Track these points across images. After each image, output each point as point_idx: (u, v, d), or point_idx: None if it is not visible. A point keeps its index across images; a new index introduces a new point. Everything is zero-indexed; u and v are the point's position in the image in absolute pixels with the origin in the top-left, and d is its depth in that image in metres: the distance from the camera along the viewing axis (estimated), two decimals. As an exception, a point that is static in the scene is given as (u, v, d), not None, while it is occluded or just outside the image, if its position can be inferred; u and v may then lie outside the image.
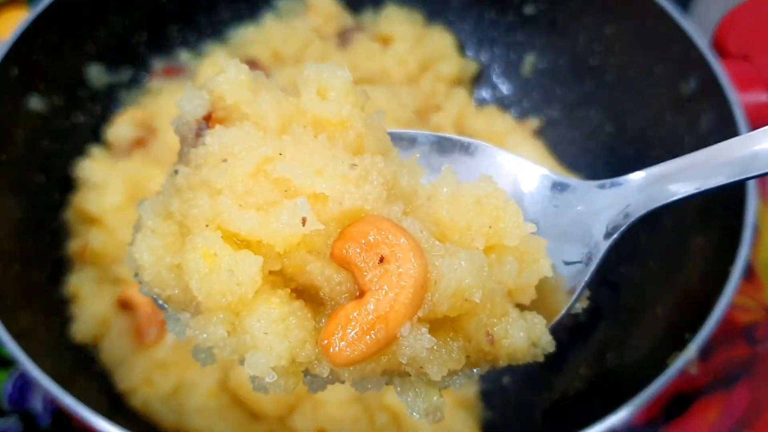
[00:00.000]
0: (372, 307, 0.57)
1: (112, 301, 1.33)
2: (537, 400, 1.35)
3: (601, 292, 1.44)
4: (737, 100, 1.21)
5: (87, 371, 1.27)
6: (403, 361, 0.59)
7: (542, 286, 0.68)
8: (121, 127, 1.50)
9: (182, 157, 0.68)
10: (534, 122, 1.65)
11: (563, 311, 0.71)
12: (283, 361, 0.57)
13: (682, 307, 1.20)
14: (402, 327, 0.57)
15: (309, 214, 0.58)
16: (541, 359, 0.65)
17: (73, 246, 1.40)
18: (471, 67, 1.71)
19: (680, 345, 1.03)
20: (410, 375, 0.62)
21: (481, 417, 1.35)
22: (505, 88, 1.73)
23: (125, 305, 1.31)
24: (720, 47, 1.51)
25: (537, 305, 0.68)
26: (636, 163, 1.46)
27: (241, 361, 0.59)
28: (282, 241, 0.59)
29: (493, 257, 0.65)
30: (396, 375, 0.62)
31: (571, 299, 0.72)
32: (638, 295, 1.36)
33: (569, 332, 1.42)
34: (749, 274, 1.40)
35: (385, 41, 1.67)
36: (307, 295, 0.63)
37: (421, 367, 0.59)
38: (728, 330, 1.33)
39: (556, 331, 1.52)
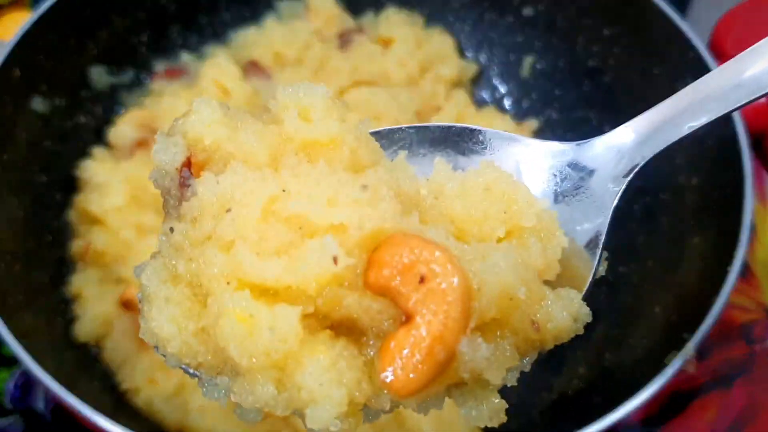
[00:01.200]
0: (425, 330, 0.54)
1: (115, 301, 1.33)
2: (536, 400, 1.35)
3: (599, 292, 1.45)
4: (735, 101, 1.22)
5: (90, 371, 1.28)
6: (465, 376, 0.56)
7: (561, 258, 0.66)
8: (123, 128, 1.50)
9: (170, 212, 0.63)
10: (533, 123, 1.66)
11: (590, 278, 0.69)
12: (344, 407, 0.54)
13: (679, 306, 1.20)
14: (460, 343, 0.55)
15: (338, 251, 0.55)
16: (581, 332, 0.64)
17: (76, 246, 1.41)
18: (471, 68, 1.72)
19: (678, 344, 1.03)
20: (465, 383, 0.59)
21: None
22: (504, 89, 1.74)
23: (128, 305, 1.32)
24: (718, 49, 1.52)
25: (561, 278, 0.66)
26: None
27: (295, 413, 0.56)
28: (314, 283, 0.55)
29: (515, 242, 0.64)
30: (453, 386, 0.60)
31: (592, 265, 0.70)
32: (636, 294, 1.36)
33: (568, 332, 1.43)
34: (746, 273, 1.41)
35: (385, 43, 1.67)
36: (344, 328, 0.59)
37: (480, 374, 0.57)
38: (726, 329, 1.34)
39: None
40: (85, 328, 1.31)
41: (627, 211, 1.48)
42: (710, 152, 1.27)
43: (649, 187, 1.44)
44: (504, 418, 0.60)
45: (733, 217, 1.13)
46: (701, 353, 1.03)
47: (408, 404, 0.58)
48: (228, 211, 0.58)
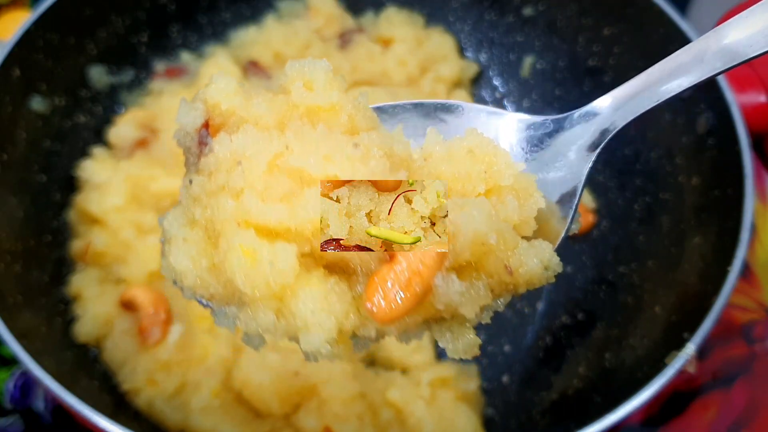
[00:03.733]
0: (405, 265, 0.64)
1: (115, 301, 1.33)
2: (536, 399, 1.35)
3: (599, 292, 1.45)
4: (735, 100, 1.22)
5: (90, 371, 1.27)
6: (440, 308, 0.65)
7: (539, 217, 0.74)
8: (123, 128, 1.50)
9: (190, 167, 0.72)
10: (533, 123, 1.66)
11: (563, 234, 0.78)
12: (333, 333, 0.63)
13: (680, 306, 1.21)
14: (435, 277, 0.64)
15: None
16: (553, 281, 0.71)
17: (76, 246, 1.41)
18: (470, 68, 1.72)
19: (679, 344, 1.03)
20: (445, 319, 0.68)
21: (481, 413, 1.35)
22: (504, 89, 1.74)
23: (128, 305, 1.31)
24: (718, 49, 1.52)
25: (537, 235, 0.74)
26: (635, 163, 1.48)
27: (292, 339, 0.65)
28: (311, 226, 0.64)
29: (495, 199, 0.72)
30: (432, 321, 0.69)
31: (566, 223, 0.79)
32: (637, 294, 1.36)
33: (568, 331, 1.43)
34: (747, 273, 1.41)
35: (385, 43, 1.68)
36: (338, 268, 0.68)
37: (456, 309, 0.66)
38: (726, 329, 1.34)
39: (554, 330, 1.53)
40: (85, 328, 1.31)
41: (627, 211, 1.48)
42: (710, 152, 1.28)
43: (649, 187, 1.44)
44: (477, 352, 0.69)
45: (734, 217, 1.13)
46: (701, 353, 1.04)
47: (391, 332, 0.67)
48: (239, 163, 0.66)
